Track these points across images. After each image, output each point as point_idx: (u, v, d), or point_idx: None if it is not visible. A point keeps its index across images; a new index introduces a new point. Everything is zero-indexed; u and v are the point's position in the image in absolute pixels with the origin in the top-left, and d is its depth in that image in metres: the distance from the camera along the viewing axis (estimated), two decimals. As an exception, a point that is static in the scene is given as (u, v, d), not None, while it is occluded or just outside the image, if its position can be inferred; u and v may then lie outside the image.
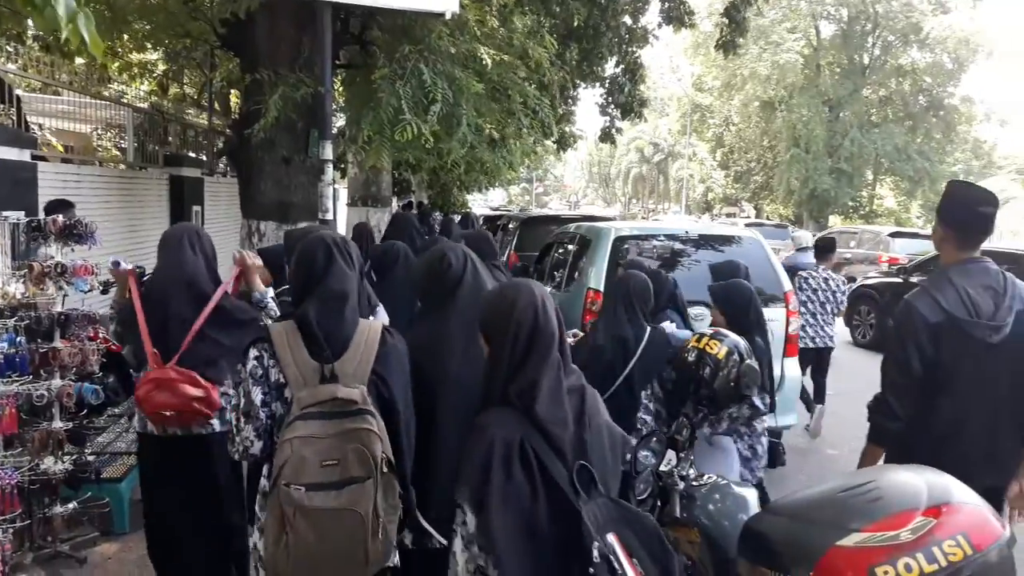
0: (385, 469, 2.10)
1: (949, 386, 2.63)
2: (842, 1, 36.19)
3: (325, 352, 2.17)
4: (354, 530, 2.05)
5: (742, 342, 3.19)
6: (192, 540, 3.10)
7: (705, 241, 6.15)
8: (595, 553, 1.69)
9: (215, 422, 3.09)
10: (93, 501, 3.93)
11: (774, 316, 5.77)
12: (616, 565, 1.69)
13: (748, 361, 3.10)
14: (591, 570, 1.68)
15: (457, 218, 11.93)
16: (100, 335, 3.99)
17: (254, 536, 2.27)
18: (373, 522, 2.07)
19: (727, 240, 6.23)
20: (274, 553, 2.06)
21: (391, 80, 6.19)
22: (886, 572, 1.71)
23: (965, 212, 2.73)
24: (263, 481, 2.25)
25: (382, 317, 3.10)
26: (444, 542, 2.21)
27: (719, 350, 3.08)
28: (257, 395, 2.18)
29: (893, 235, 16.23)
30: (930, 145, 36.87)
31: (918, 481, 1.87)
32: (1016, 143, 41.24)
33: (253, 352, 2.21)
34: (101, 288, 6.11)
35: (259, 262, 3.29)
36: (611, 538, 1.75)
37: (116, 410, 5.28)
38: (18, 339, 3.41)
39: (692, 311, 5.61)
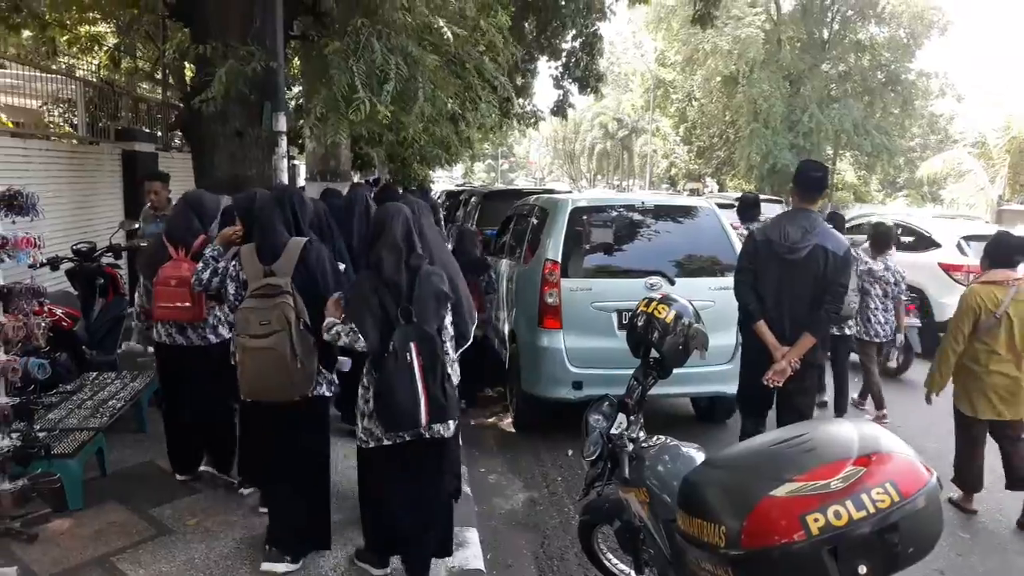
0: (301, 327, 3.38)
1: (761, 282, 4.18)
2: (801, -25, 36.34)
3: (266, 260, 3.49)
4: (277, 361, 3.33)
5: (690, 306, 3.22)
6: (197, 416, 4.45)
7: (661, 211, 6.19)
8: (391, 348, 3.14)
9: (211, 336, 4.34)
10: (44, 477, 3.87)
11: (727, 285, 5.83)
12: (407, 357, 3.12)
13: (696, 324, 3.14)
14: (384, 354, 3.16)
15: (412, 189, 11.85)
16: (46, 310, 3.90)
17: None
18: (291, 357, 3.33)
19: (682, 210, 6.28)
20: (240, 377, 3.46)
21: (344, 56, 6.09)
22: (816, 519, 1.75)
23: (802, 177, 4.27)
24: None
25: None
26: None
27: (667, 314, 3.11)
28: (231, 288, 3.63)
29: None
30: (888, 120, 37.28)
31: (850, 432, 1.92)
32: (972, 118, 41.91)
33: (233, 263, 3.68)
34: (50, 265, 6.04)
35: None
36: (412, 345, 3.15)
37: (68, 387, 5.20)
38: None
39: (648, 280, 5.68)
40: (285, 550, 3.63)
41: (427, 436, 3.30)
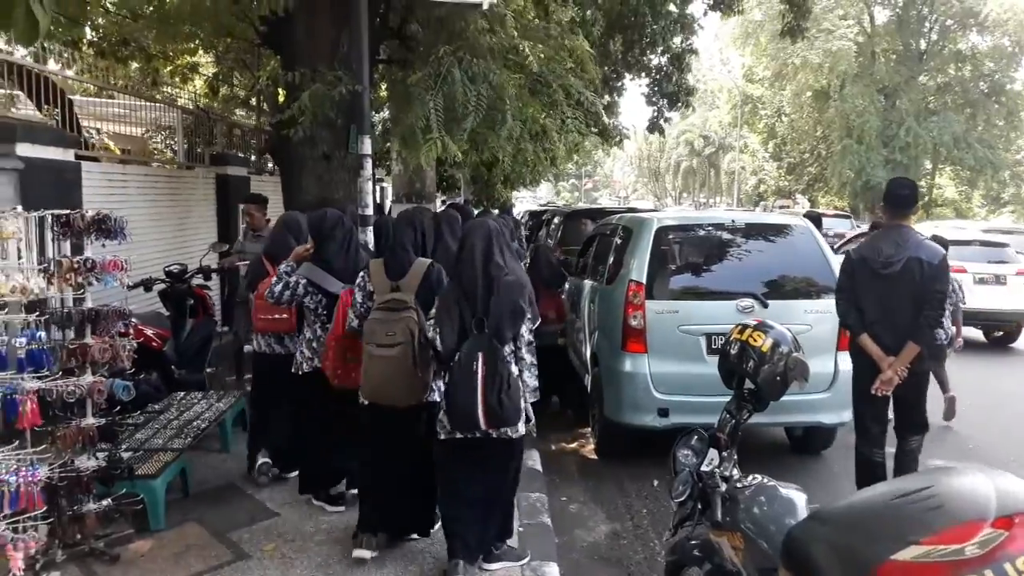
0: (423, 340, 3.63)
1: (862, 298, 4.40)
2: (897, -16, 35.03)
3: (394, 276, 3.81)
4: (400, 368, 3.62)
5: (788, 333, 2.98)
6: (282, 423, 4.77)
7: (752, 231, 5.90)
8: (457, 356, 3.48)
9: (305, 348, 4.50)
10: (127, 498, 3.90)
11: (824, 308, 5.53)
12: (472, 366, 3.42)
13: (796, 353, 2.90)
14: (451, 363, 3.51)
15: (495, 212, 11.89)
16: (131, 332, 3.95)
17: None
18: (411, 367, 3.61)
19: (775, 229, 5.98)
20: (363, 380, 3.77)
21: (425, 87, 6.11)
22: (949, 590, 1.51)
23: (890, 195, 4.51)
24: None
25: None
26: None
27: (764, 342, 2.88)
28: (359, 296, 3.93)
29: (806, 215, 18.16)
30: (992, 133, 35.38)
31: (985, 487, 1.66)
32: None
33: (361, 274, 3.99)
34: (144, 286, 6.22)
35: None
36: (479, 355, 3.44)
37: (156, 406, 5.30)
38: (39, 334, 3.37)
39: (740, 303, 5.41)
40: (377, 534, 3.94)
41: (494, 436, 3.55)
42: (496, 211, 11.42)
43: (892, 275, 4.26)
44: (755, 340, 2.90)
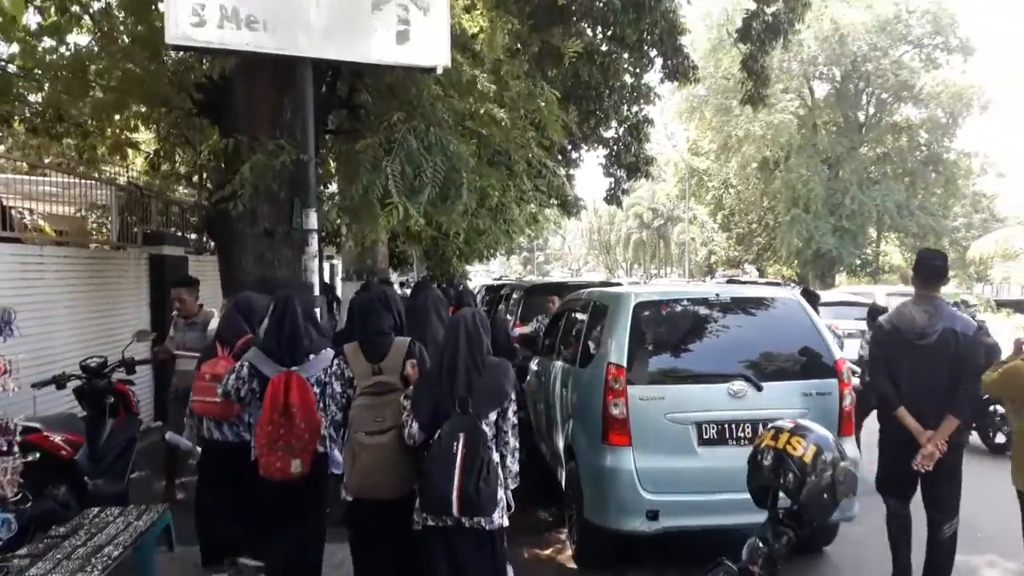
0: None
1: (895, 371, 4.30)
2: (833, 60, 36.34)
3: (374, 359, 3.67)
4: (392, 455, 3.47)
5: (830, 436, 2.45)
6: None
7: (738, 305, 5.43)
8: (437, 435, 3.30)
9: (245, 434, 4.37)
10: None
11: (823, 389, 5.05)
12: (452, 447, 3.22)
13: (844, 463, 2.36)
14: (430, 441, 3.33)
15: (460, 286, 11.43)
16: (15, 451, 3.22)
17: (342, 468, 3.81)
18: (403, 453, 3.46)
19: (763, 303, 5.52)
20: (349, 473, 3.59)
21: (374, 155, 5.66)
22: None
23: (922, 265, 4.41)
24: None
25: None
26: None
27: (805, 450, 2.35)
28: (337, 386, 3.73)
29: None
30: (931, 200, 36.55)
31: None
32: (1018, 195, 41.07)
33: (336, 361, 3.81)
34: (56, 384, 5.47)
35: None
36: (461, 435, 3.24)
37: (62, 529, 4.48)
38: None
39: (731, 386, 4.89)
40: None
41: (466, 525, 3.31)
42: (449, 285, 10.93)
43: (927, 346, 4.19)
44: (794, 448, 2.36)
